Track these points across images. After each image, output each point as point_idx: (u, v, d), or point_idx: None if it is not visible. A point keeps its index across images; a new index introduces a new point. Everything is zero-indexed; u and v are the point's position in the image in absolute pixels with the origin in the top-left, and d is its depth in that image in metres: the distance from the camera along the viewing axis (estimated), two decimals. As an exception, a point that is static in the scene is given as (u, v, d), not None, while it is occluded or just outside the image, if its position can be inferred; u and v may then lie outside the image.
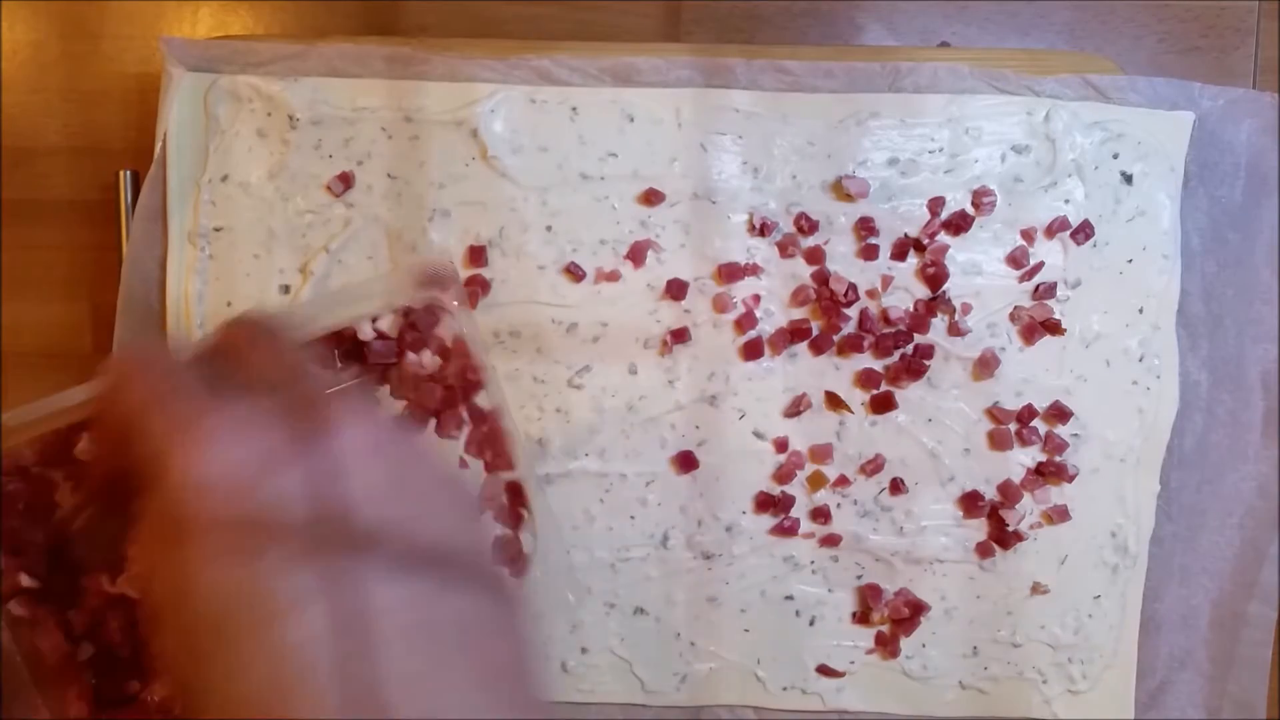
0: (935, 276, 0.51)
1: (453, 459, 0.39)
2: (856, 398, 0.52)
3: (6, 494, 0.35)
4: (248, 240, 0.51)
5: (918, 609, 0.52)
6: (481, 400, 0.41)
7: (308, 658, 0.24)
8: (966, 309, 0.52)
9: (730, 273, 0.51)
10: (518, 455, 0.42)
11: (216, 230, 0.51)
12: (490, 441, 0.42)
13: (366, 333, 0.40)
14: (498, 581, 0.29)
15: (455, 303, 0.41)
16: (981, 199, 0.51)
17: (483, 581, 0.28)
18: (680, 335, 0.51)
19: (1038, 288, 0.52)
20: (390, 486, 0.27)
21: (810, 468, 0.52)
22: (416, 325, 0.40)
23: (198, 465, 0.25)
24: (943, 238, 0.51)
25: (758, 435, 0.52)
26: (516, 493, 0.42)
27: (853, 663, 0.53)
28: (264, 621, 0.24)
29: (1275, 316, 0.52)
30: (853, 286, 0.51)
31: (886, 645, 0.53)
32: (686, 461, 0.52)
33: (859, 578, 0.53)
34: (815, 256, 0.51)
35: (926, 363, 0.51)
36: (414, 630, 0.25)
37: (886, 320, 0.51)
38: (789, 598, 0.53)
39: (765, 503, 0.52)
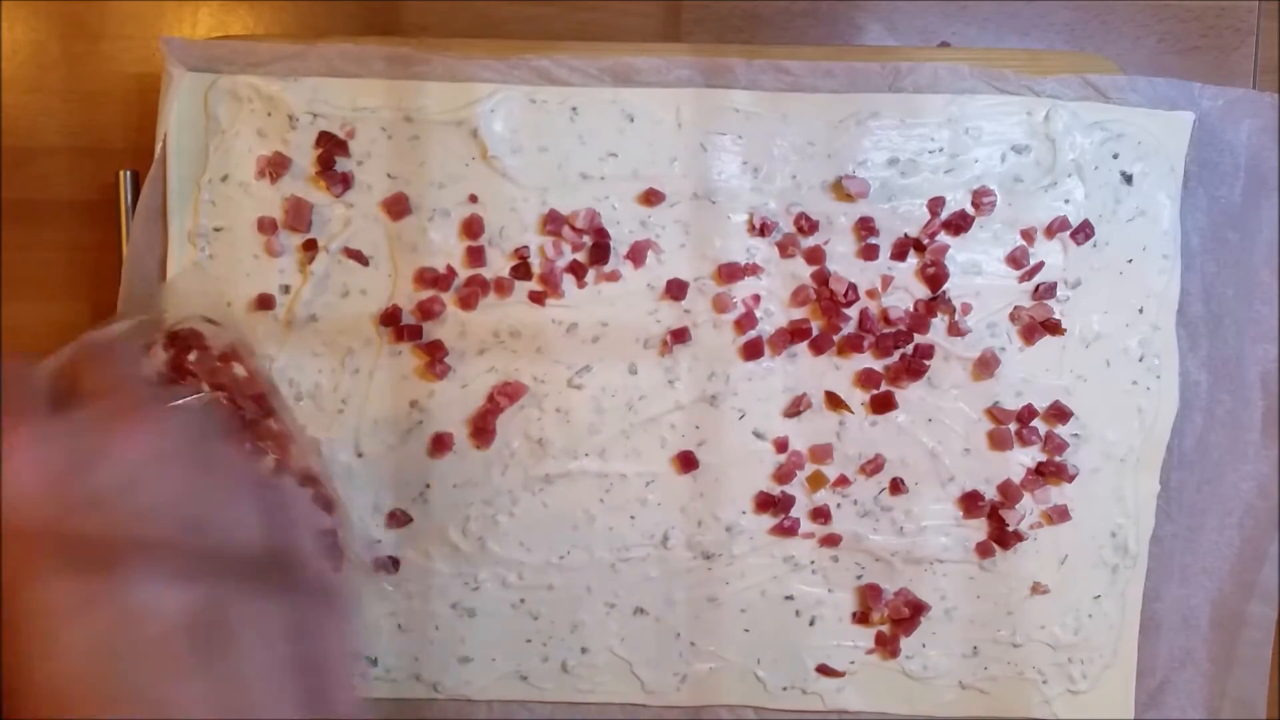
0: (935, 276, 0.51)
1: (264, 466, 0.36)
2: (856, 398, 0.52)
3: None
4: (248, 240, 0.51)
5: (918, 609, 0.52)
6: (272, 423, 0.38)
7: (78, 664, 0.26)
8: (966, 309, 0.52)
9: (730, 273, 0.51)
10: (310, 447, 0.39)
11: (216, 230, 0.51)
12: (280, 444, 0.38)
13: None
14: (312, 581, 0.30)
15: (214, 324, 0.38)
16: (981, 199, 0.51)
17: (292, 582, 0.29)
18: (680, 335, 0.51)
19: (1038, 288, 0.52)
20: (183, 495, 0.28)
21: (810, 468, 0.52)
22: (189, 345, 0.37)
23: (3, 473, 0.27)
24: (943, 238, 0.51)
25: (758, 435, 0.52)
26: (316, 482, 0.38)
27: (853, 663, 0.53)
28: (39, 633, 0.26)
29: (1275, 316, 0.52)
30: (853, 286, 0.51)
31: (886, 645, 0.53)
32: (686, 461, 0.52)
33: (859, 578, 0.53)
34: (815, 256, 0.51)
35: (926, 363, 0.51)
36: (196, 632, 0.27)
37: (886, 320, 0.51)
38: (789, 598, 0.53)
39: (765, 503, 0.52)
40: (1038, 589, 0.53)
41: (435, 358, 0.51)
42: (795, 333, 0.52)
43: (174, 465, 0.28)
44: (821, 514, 0.52)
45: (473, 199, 0.51)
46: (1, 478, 0.27)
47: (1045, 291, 0.52)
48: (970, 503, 0.52)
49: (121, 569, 0.27)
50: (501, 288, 0.51)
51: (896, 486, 0.52)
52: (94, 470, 0.27)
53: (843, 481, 0.52)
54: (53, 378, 0.30)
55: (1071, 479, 0.52)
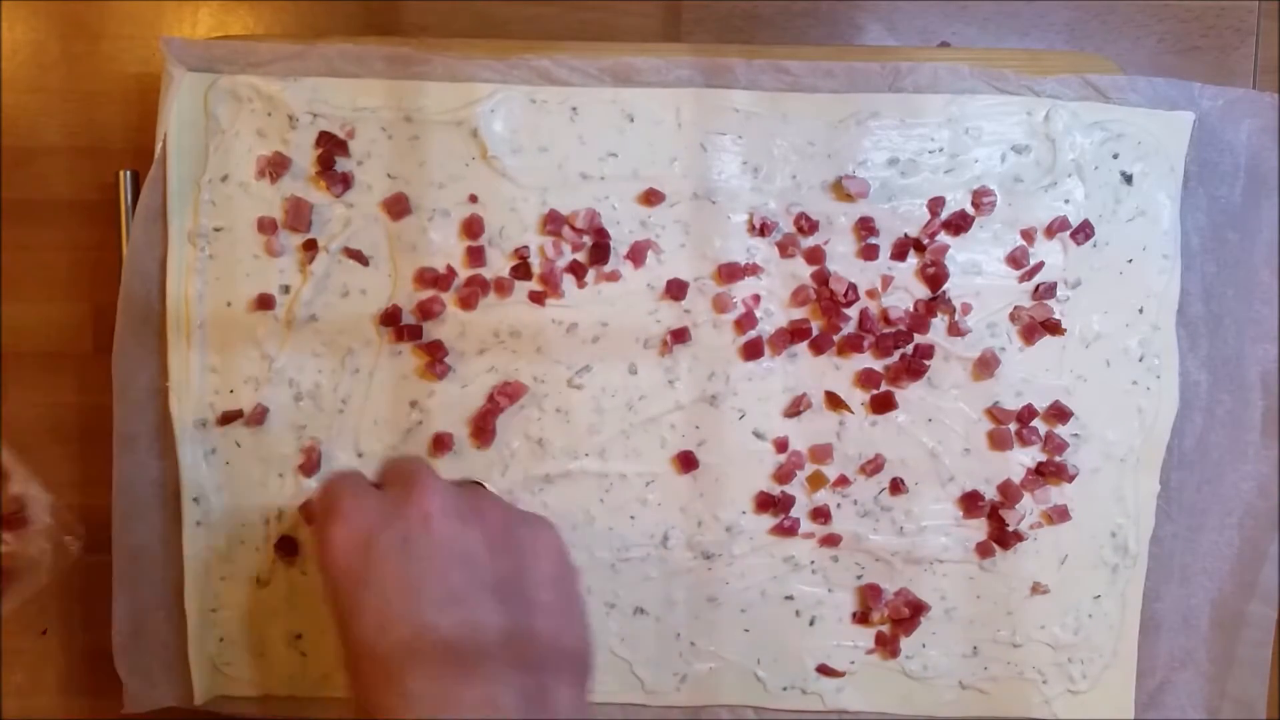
0: (935, 276, 0.51)
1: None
2: (856, 398, 0.52)
3: None
4: (248, 240, 0.51)
5: (918, 609, 0.52)
6: None
7: None
8: (966, 309, 0.52)
9: (730, 273, 0.51)
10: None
11: (216, 230, 0.51)
12: None
13: None
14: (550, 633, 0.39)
15: None
16: (981, 199, 0.51)
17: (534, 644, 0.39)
18: (680, 335, 0.51)
19: (1038, 288, 0.52)
20: (453, 536, 0.39)
21: (810, 468, 0.52)
22: None
23: (331, 529, 0.39)
24: (943, 238, 0.51)
25: (758, 435, 0.52)
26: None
27: (853, 663, 0.53)
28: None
29: (1275, 316, 0.52)
30: (853, 286, 0.51)
31: (886, 645, 0.53)
32: (686, 461, 0.52)
33: (859, 578, 0.53)
34: (815, 256, 0.51)
35: (926, 363, 0.52)
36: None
37: (886, 320, 0.51)
38: (789, 598, 0.53)
39: (765, 503, 0.52)
40: (1038, 589, 0.53)
41: (435, 358, 0.51)
42: (795, 333, 0.52)
43: (448, 518, 0.39)
44: (821, 514, 0.52)
45: (473, 199, 0.51)
46: (328, 534, 0.39)
47: (1045, 291, 0.52)
48: (970, 503, 0.52)
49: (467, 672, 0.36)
50: (501, 288, 0.51)
51: (896, 486, 0.52)
52: (394, 522, 0.39)
53: (843, 481, 0.52)
54: (376, 476, 0.43)
55: (1071, 479, 0.52)
